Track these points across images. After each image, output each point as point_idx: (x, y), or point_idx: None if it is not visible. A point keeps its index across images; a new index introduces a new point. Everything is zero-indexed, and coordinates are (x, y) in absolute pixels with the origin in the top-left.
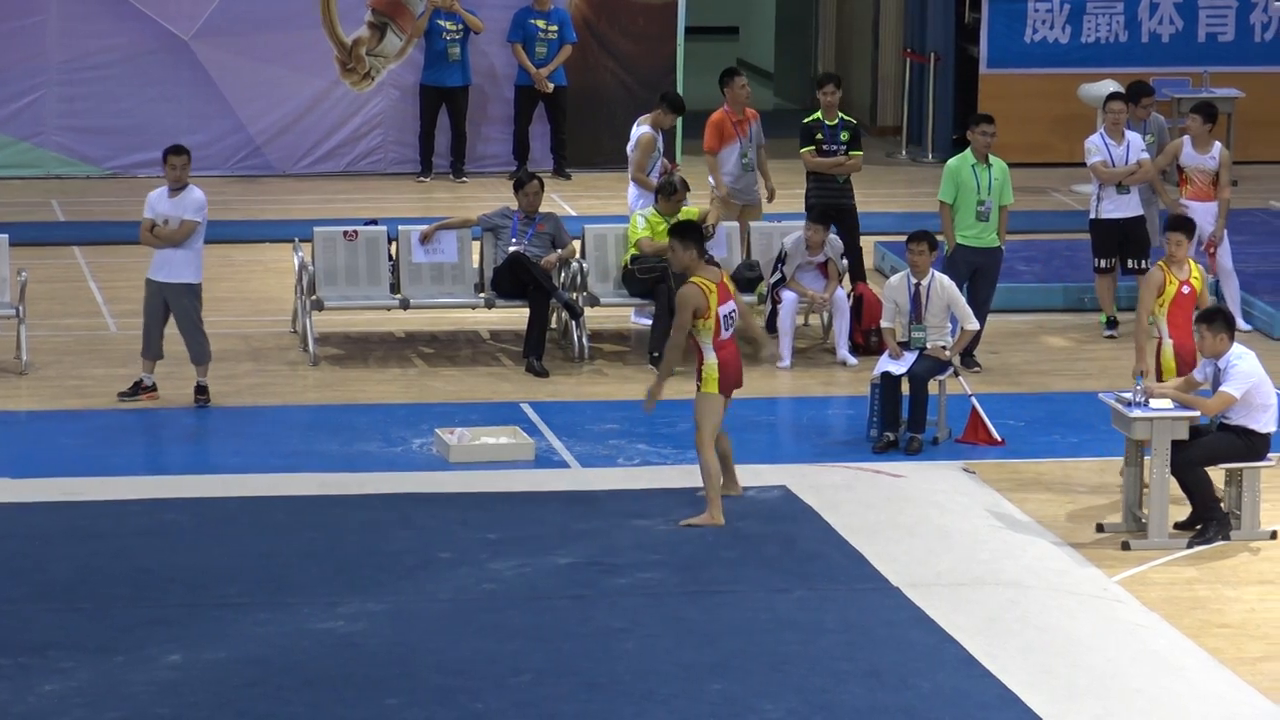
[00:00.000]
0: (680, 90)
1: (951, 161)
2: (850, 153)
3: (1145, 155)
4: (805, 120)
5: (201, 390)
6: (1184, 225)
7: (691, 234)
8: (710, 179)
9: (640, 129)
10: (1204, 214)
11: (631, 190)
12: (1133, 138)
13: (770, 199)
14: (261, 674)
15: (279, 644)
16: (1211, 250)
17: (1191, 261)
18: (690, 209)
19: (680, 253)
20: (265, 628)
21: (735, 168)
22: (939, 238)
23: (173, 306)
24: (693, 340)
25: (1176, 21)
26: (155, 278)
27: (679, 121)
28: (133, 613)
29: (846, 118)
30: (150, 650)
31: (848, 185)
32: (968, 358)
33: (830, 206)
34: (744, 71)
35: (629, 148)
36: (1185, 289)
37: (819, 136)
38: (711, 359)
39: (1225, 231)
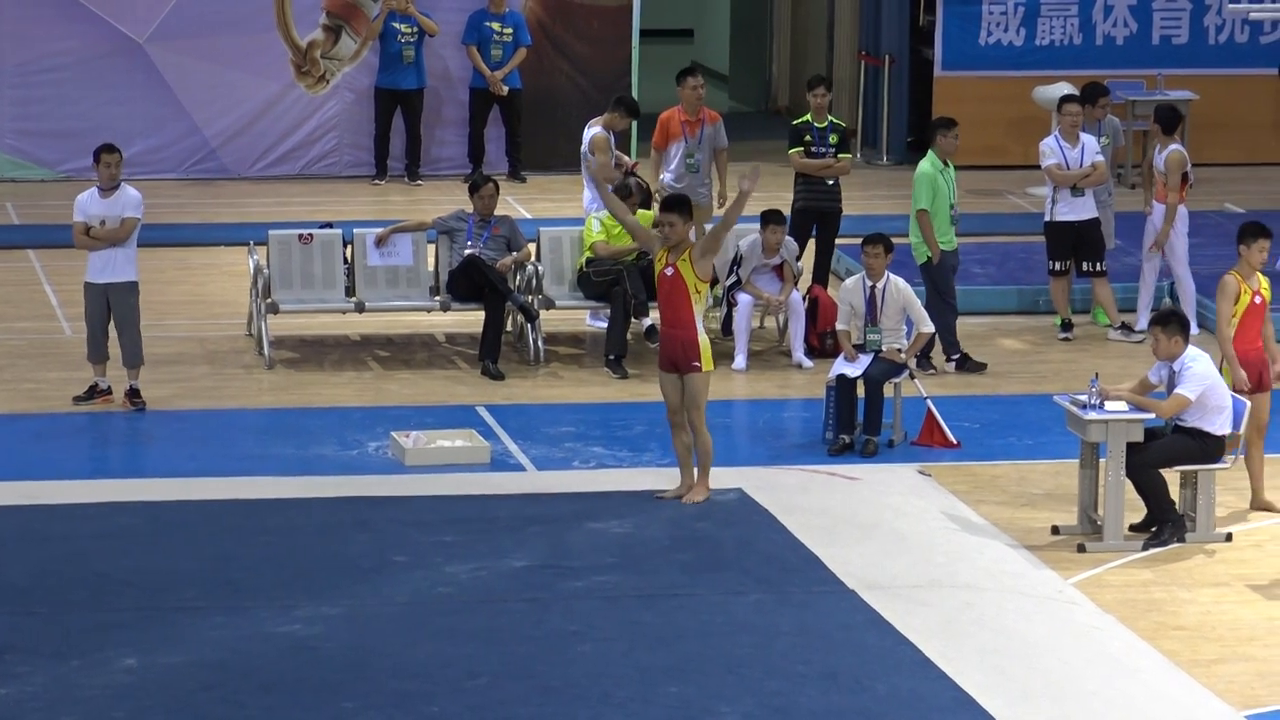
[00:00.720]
0: (635, 93)
1: (925, 168)
2: (839, 155)
3: (1100, 158)
4: (794, 122)
5: (135, 393)
6: (1268, 232)
7: (687, 207)
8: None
9: (592, 130)
10: (1161, 215)
11: (586, 193)
12: (1087, 140)
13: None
14: (218, 678)
15: (235, 648)
16: (1161, 252)
17: (1259, 272)
18: (644, 213)
19: (680, 226)
20: (221, 631)
21: (679, 166)
22: (896, 241)
23: (117, 306)
24: (684, 309)
25: (1131, 24)
26: (98, 280)
27: (634, 123)
28: (88, 617)
29: (836, 120)
30: (106, 654)
31: (836, 188)
32: (923, 359)
33: (817, 209)
34: (700, 72)
35: (583, 150)
36: (1257, 299)
37: (808, 138)
38: (705, 337)
39: (1183, 235)
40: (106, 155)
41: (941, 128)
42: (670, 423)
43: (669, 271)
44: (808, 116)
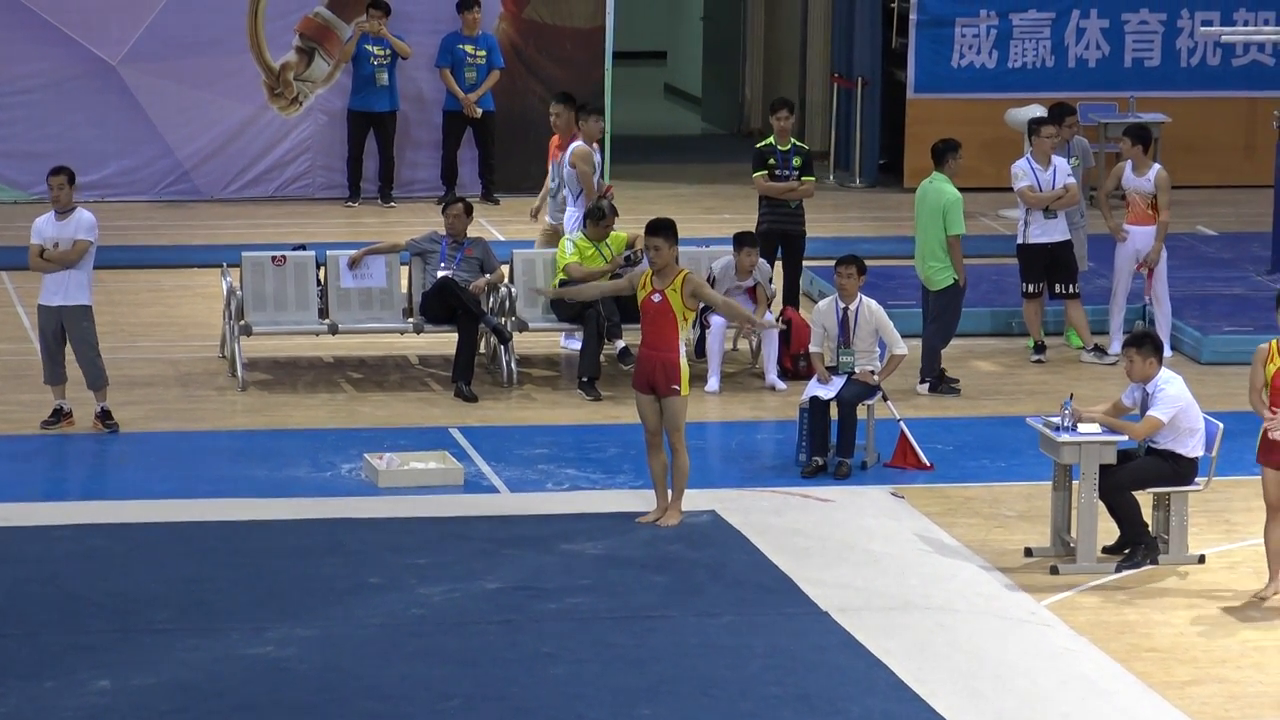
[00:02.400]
0: (608, 115)
1: (954, 193)
2: (802, 178)
3: (1071, 179)
4: (758, 145)
5: (107, 415)
6: None
7: (669, 229)
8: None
9: (574, 144)
10: (1144, 238)
11: (571, 211)
12: (1058, 162)
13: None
14: (191, 700)
15: (208, 669)
16: (1148, 272)
17: None
18: (619, 234)
19: (666, 249)
20: (194, 653)
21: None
22: (876, 265)
23: (71, 330)
24: (669, 333)
25: (1103, 46)
26: (50, 303)
27: (607, 149)
28: (61, 639)
29: (799, 143)
30: (79, 675)
31: (799, 211)
32: (945, 381)
33: (781, 231)
34: (568, 101)
35: (565, 170)
36: None
37: (771, 161)
38: (685, 361)
39: (1164, 256)
40: (51, 178)
41: (954, 150)
42: (647, 444)
43: (656, 298)
44: (770, 139)
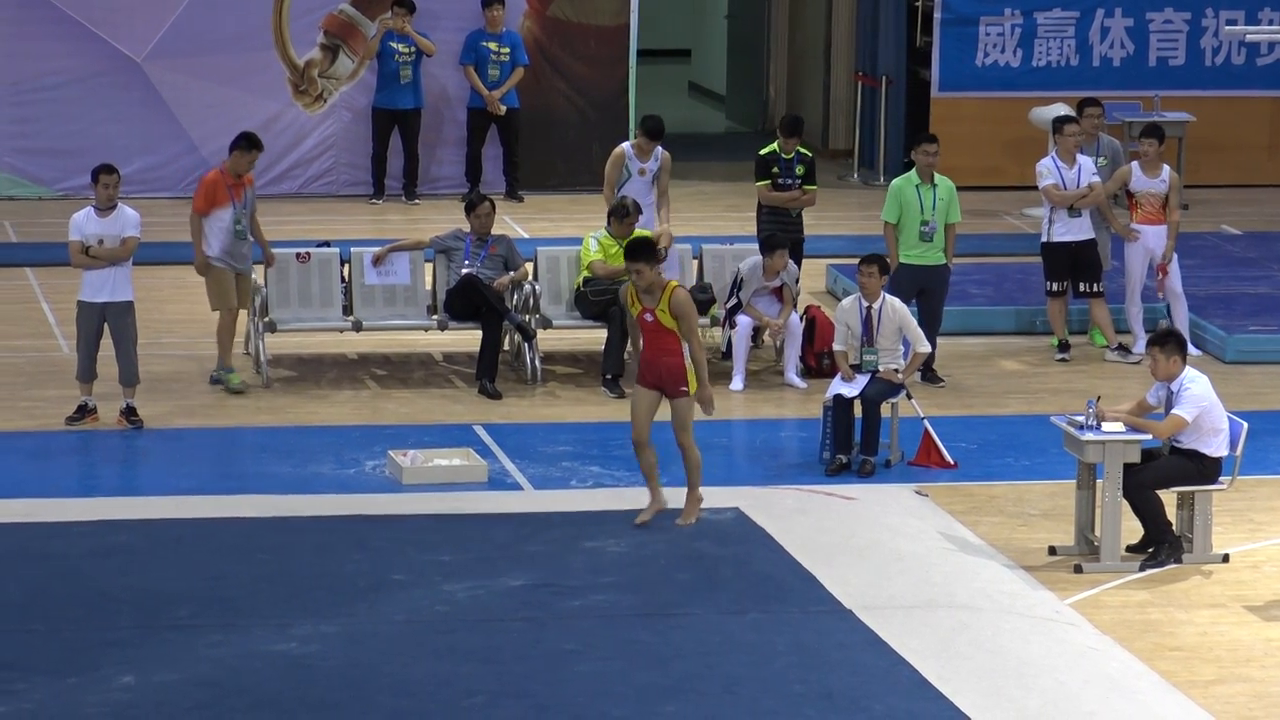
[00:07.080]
0: (631, 113)
1: (895, 181)
2: (805, 187)
3: (1096, 178)
4: (761, 152)
5: (132, 411)
6: None
7: (649, 250)
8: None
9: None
10: (1155, 237)
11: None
12: (1084, 161)
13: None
14: (214, 696)
15: (231, 666)
16: (1162, 272)
17: None
18: (643, 232)
19: (648, 272)
20: (218, 649)
21: (228, 236)
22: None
23: (115, 326)
24: (669, 342)
25: (1128, 45)
26: (95, 299)
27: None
28: (85, 634)
29: (803, 151)
30: (103, 672)
31: (799, 219)
32: (929, 372)
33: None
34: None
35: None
36: None
37: (775, 170)
38: (688, 360)
39: (1175, 254)
40: (105, 176)
41: (915, 144)
42: (636, 441)
43: (649, 318)
44: (774, 146)
